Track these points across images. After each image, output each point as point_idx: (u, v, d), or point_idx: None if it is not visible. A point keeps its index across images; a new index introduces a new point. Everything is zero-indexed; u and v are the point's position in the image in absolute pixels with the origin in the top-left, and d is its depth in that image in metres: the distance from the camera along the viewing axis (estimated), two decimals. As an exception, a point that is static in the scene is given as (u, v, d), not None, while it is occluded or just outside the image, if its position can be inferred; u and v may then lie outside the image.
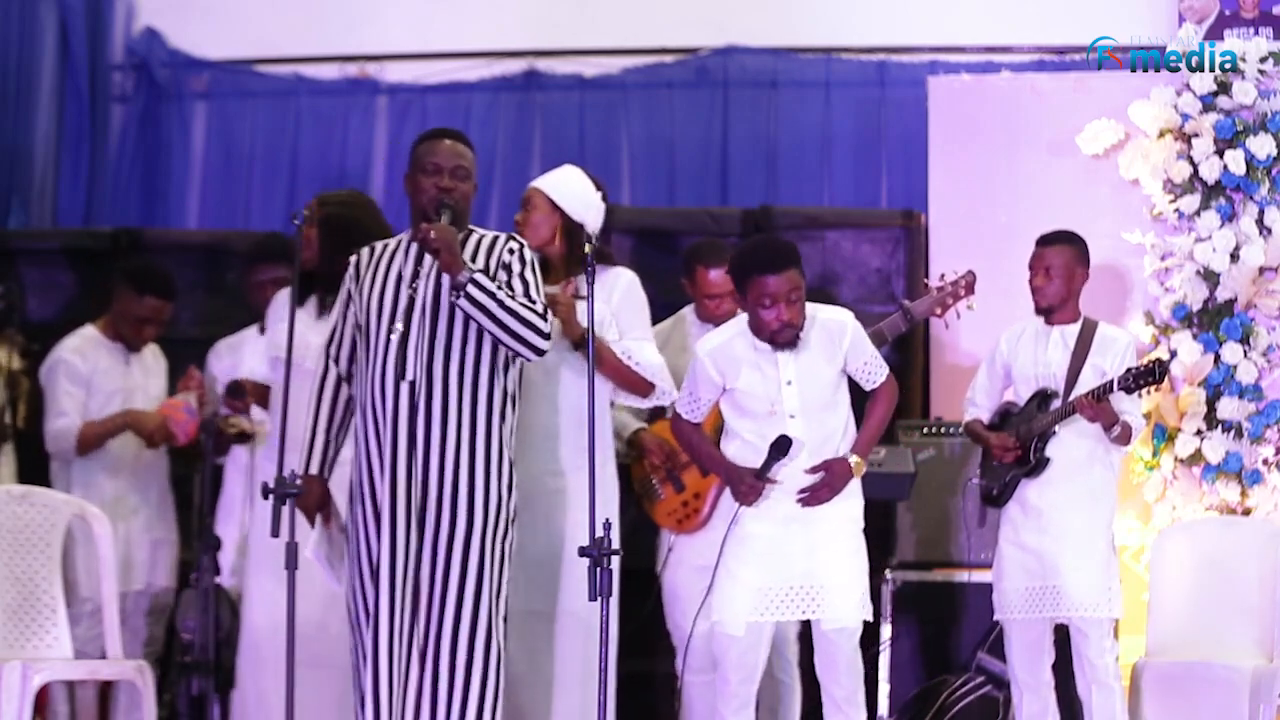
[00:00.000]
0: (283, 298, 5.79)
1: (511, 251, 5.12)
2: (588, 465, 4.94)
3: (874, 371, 5.37)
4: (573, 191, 5.72)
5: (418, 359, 5.02)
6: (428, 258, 5.07)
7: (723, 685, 5.31)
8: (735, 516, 5.30)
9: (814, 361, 5.27)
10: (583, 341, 5.40)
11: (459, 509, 4.98)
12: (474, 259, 5.08)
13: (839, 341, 5.30)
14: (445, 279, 5.01)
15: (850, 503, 5.30)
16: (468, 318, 5.00)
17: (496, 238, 5.17)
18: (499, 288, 4.98)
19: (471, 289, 4.94)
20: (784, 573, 5.21)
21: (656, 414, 6.06)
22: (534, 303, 5.04)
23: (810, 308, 5.32)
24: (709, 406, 5.39)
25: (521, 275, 5.09)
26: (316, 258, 5.64)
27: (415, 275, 5.09)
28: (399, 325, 5.01)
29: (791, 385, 5.25)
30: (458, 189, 5.13)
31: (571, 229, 5.62)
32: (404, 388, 5.00)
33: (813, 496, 5.23)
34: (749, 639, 5.24)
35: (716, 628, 5.28)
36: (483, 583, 4.97)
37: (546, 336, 5.02)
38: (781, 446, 5.20)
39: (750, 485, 5.23)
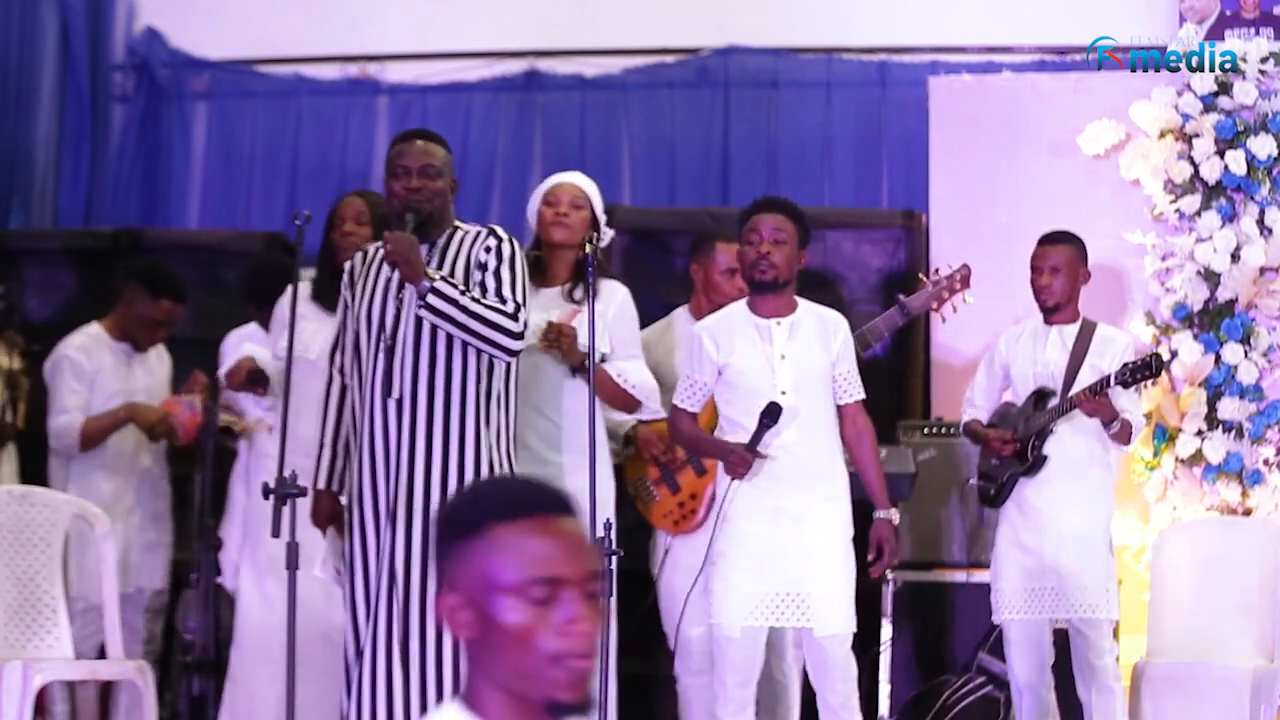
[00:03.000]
0: (286, 300, 5.80)
1: (489, 249, 5.09)
2: (588, 466, 4.95)
3: (852, 385, 5.37)
4: (600, 199, 5.83)
5: (402, 375, 5.01)
6: None
7: (720, 688, 5.30)
8: (724, 513, 5.27)
9: (809, 344, 5.30)
10: (583, 366, 5.47)
11: None
12: (455, 256, 5.07)
13: (834, 335, 5.35)
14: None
15: (838, 506, 5.29)
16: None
17: (478, 233, 5.14)
18: (463, 292, 4.95)
19: (432, 298, 4.92)
20: (774, 578, 5.20)
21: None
22: (504, 301, 5.00)
23: (804, 301, 5.38)
24: (706, 392, 5.37)
25: (497, 271, 5.06)
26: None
27: (402, 284, 5.08)
28: (385, 340, 5.02)
29: (785, 360, 5.28)
30: (426, 188, 5.09)
31: (592, 235, 5.65)
32: (391, 405, 5.00)
33: (879, 566, 5.31)
34: (746, 642, 5.23)
35: (714, 630, 5.27)
36: None
37: (517, 336, 4.99)
38: (772, 413, 5.19)
39: (739, 457, 5.22)
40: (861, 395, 5.38)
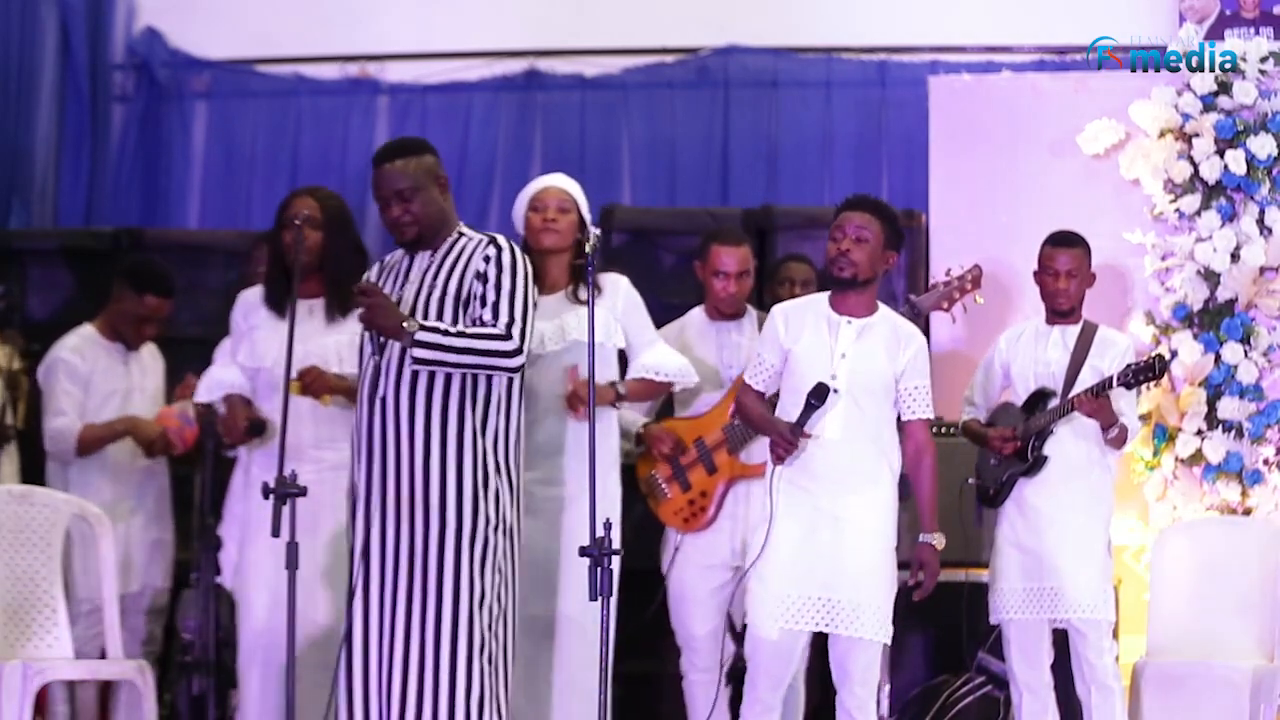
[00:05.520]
0: (245, 302, 5.80)
1: (487, 259, 5.05)
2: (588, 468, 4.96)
3: (917, 402, 5.31)
4: (584, 200, 5.82)
5: (387, 376, 5.02)
6: (415, 269, 5.09)
7: (749, 688, 5.29)
8: (771, 515, 5.25)
9: (874, 350, 5.28)
10: (617, 399, 5.66)
11: (431, 519, 4.97)
12: (455, 265, 5.07)
13: (904, 348, 5.31)
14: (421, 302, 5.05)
15: (881, 513, 5.25)
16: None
17: (479, 242, 5.11)
18: (445, 332, 4.93)
19: (418, 351, 4.91)
20: (808, 582, 5.18)
21: (663, 414, 6.08)
22: (497, 316, 4.97)
23: (886, 309, 5.39)
24: (772, 373, 5.37)
25: (498, 283, 5.02)
26: (317, 256, 5.59)
27: (401, 287, 5.10)
28: (378, 346, 5.04)
29: (845, 359, 5.26)
30: (405, 214, 5.07)
31: (582, 236, 5.64)
32: (376, 404, 5.01)
33: (922, 591, 5.29)
34: (782, 645, 5.21)
35: (750, 631, 5.27)
36: (460, 588, 4.95)
37: (513, 354, 4.96)
38: (819, 393, 5.17)
39: (781, 437, 5.21)
40: (928, 414, 5.33)
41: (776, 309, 5.44)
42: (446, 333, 4.93)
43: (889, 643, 5.27)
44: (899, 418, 5.35)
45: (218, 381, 5.79)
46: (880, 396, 5.28)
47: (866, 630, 5.18)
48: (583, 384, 5.32)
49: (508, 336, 4.96)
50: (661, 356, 5.75)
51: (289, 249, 5.50)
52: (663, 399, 6.08)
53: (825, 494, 5.22)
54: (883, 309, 5.39)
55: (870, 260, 5.28)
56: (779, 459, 5.25)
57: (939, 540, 5.32)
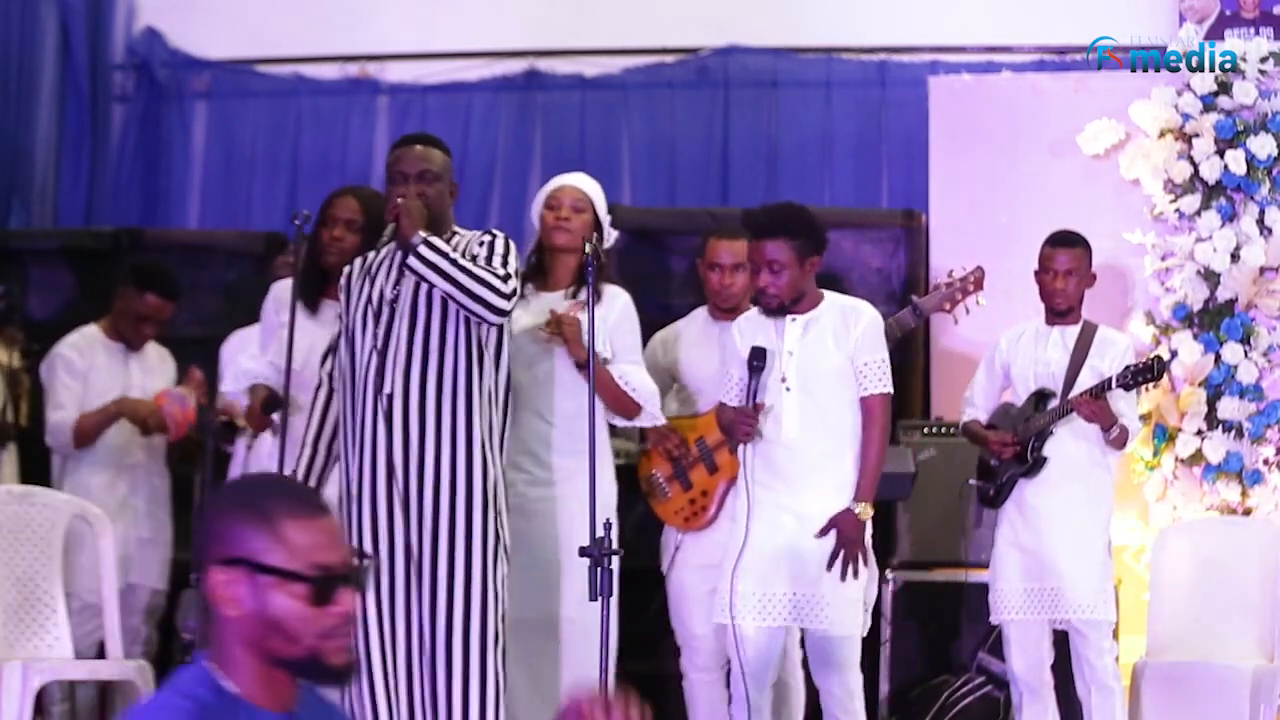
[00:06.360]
0: (277, 297, 5.79)
1: (482, 243, 5.11)
2: (588, 467, 4.95)
3: (869, 379, 5.29)
4: (603, 200, 5.81)
5: (393, 372, 5.01)
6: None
7: (735, 690, 5.29)
8: (734, 512, 5.27)
9: (821, 341, 5.28)
10: (587, 363, 5.44)
11: (440, 514, 4.98)
12: None
13: (853, 326, 5.30)
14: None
15: (844, 505, 5.27)
16: (443, 325, 5.01)
17: (474, 236, 5.16)
18: (450, 257, 4.96)
19: (422, 249, 4.93)
20: (775, 579, 5.19)
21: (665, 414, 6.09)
22: (493, 268, 5.02)
23: (833, 296, 5.38)
24: (742, 384, 5.35)
25: (490, 252, 5.07)
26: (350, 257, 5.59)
27: (397, 284, 5.09)
28: (379, 338, 5.02)
29: (792, 356, 5.27)
30: (424, 194, 5.09)
31: (592, 236, 5.63)
32: (382, 401, 5.01)
33: (842, 568, 5.20)
34: (759, 642, 5.21)
35: (728, 631, 5.27)
36: (471, 580, 4.96)
37: (505, 296, 4.98)
38: (759, 355, 5.22)
39: (740, 415, 5.24)
40: (883, 389, 5.30)
41: (734, 323, 5.48)
42: (449, 256, 4.96)
43: (861, 634, 5.28)
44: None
45: (245, 371, 5.77)
46: (834, 385, 5.28)
47: (835, 625, 5.18)
48: (572, 319, 5.36)
49: (505, 281, 5.00)
50: (636, 373, 5.65)
51: (326, 248, 5.55)
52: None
53: (787, 491, 5.24)
54: (829, 298, 5.37)
55: (791, 283, 5.27)
56: (745, 435, 5.24)
57: (864, 511, 5.22)
